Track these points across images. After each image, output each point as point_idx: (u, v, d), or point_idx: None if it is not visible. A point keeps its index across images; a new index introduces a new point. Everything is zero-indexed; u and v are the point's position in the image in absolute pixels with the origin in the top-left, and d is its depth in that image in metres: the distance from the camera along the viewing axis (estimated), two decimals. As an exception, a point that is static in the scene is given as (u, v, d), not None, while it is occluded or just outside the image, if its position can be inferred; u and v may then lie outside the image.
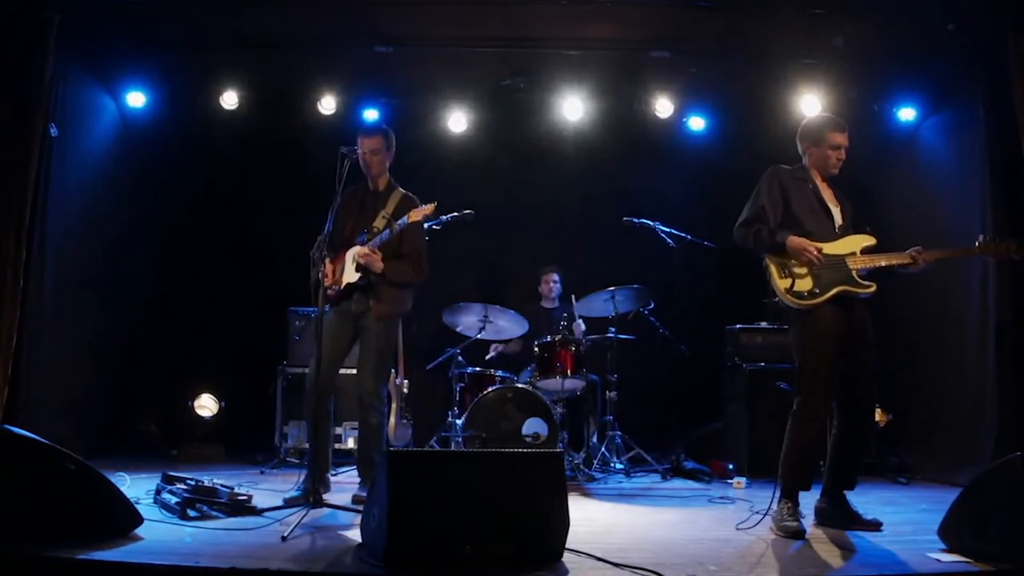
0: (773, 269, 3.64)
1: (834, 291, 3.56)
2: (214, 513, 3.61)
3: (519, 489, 2.89)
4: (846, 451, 3.70)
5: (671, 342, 5.48)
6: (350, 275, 4.16)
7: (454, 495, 2.83)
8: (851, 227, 3.75)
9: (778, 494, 3.63)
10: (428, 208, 3.99)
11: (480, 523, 2.82)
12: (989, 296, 4.89)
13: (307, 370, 4.88)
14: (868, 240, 3.69)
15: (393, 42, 5.63)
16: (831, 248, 3.63)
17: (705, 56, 5.82)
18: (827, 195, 3.80)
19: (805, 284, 3.57)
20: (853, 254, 3.63)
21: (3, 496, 3.07)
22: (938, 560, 3.03)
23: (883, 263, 3.61)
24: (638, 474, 5.24)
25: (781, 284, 3.61)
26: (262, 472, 5.14)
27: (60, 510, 3.05)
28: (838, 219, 3.75)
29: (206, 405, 5.78)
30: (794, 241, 3.58)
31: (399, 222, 4.05)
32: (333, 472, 4.64)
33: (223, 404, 5.82)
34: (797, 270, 3.59)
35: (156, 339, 6.33)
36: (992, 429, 4.79)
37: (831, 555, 3.17)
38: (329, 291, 4.13)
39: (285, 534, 3.20)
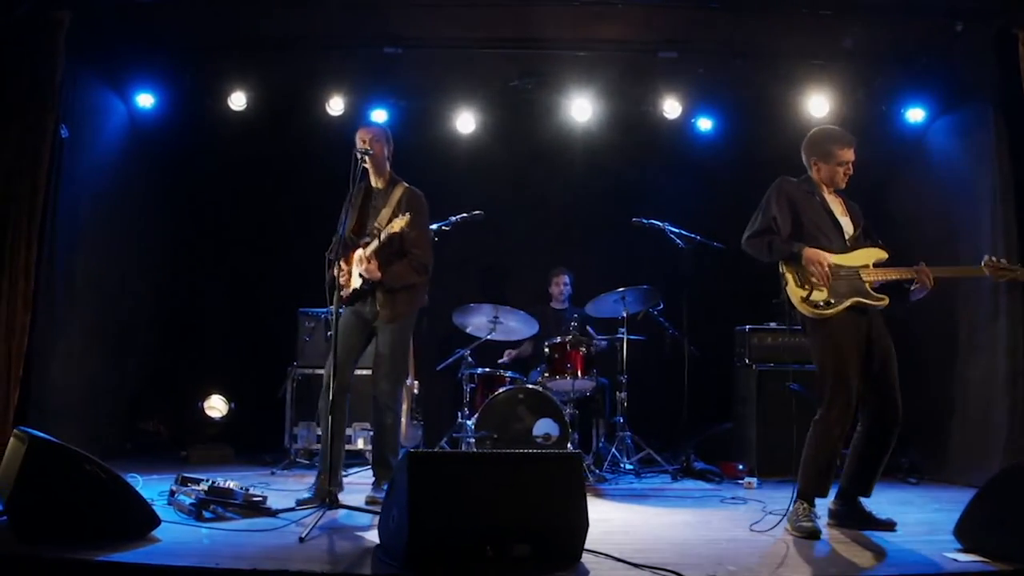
0: (790, 277, 3.64)
1: (849, 301, 3.56)
2: (229, 514, 3.61)
3: (538, 490, 2.90)
4: (867, 458, 3.69)
5: (680, 343, 5.49)
6: (356, 280, 4.17)
7: (474, 496, 2.83)
8: (863, 237, 3.76)
9: (794, 495, 3.63)
10: (403, 220, 3.94)
11: (500, 524, 2.82)
12: (1000, 296, 4.89)
13: (322, 371, 4.91)
14: (880, 254, 3.70)
15: (402, 43, 5.63)
16: (844, 260, 3.64)
17: (713, 57, 5.81)
18: (835, 206, 3.80)
19: (820, 294, 3.58)
20: (866, 266, 3.64)
21: (22, 498, 3.08)
22: (955, 560, 3.04)
23: (894, 276, 3.62)
24: (648, 475, 5.24)
25: (797, 293, 3.61)
26: (273, 473, 5.14)
27: (78, 512, 3.05)
28: (848, 230, 3.75)
29: (216, 406, 5.78)
30: (810, 252, 3.58)
31: (383, 230, 4.04)
32: (344, 473, 4.64)
33: (233, 405, 5.82)
34: (814, 280, 3.59)
35: (165, 340, 6.34)
36: (1002, 430, 4.79)
37: (849, 555, 3.17)
38: (342, 293, 4.14)
39: (303, 535, 3.20)
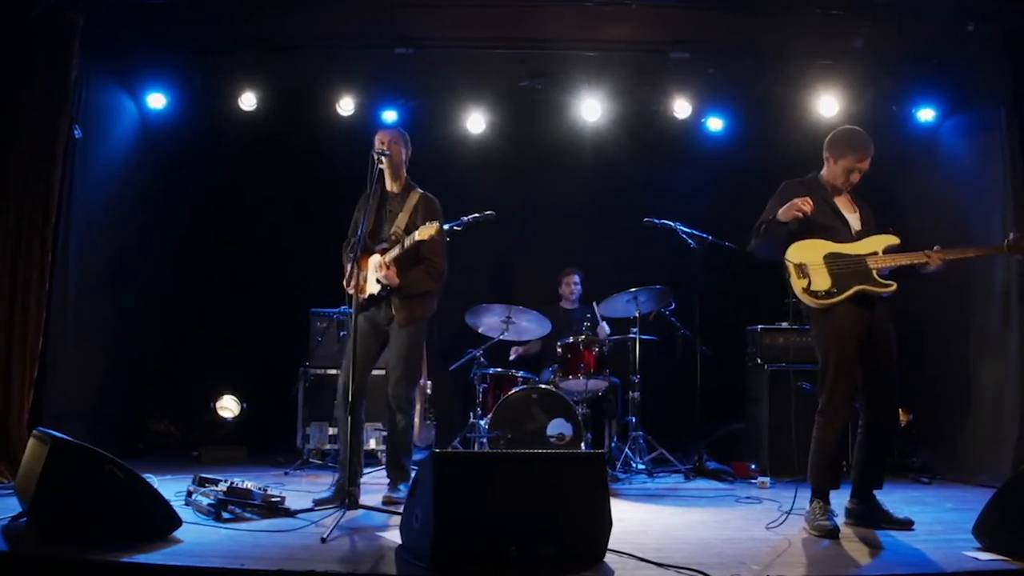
0: (792, 270, 3.66)
1: (852, 290, 3.57)
2: (247, 515, 3.61)
3: (563, 490, 2.90)
4: (871, 450, 3.71)
5: (692, 343, 5.49)
6: (372, 285, 4.17)
7: (499, 496, 2.84)
8: (873, 231, 3.76)
9: (808, 494, 3.65)
10: (432, 228, 3.95)
11: (525, 524, 2.82)
12: (1012, 294, 4.90)
13: (334, 371, 4.89)
14: (891, 240, 3.69)
15: (412, 44, 5.63)
16: (850, 248, 3.65)
17: (723, 57, 5.83)
18: (842, 203, 3.80)
19: (822, 283, 3.59)
20: (874, 253, 3.64)
21: (44, 499, 3.08)
22: (976, 559, 3.05)
23: (904, 261, 3.63)
24: (660, 474, 5.25)
25: (798, 284, 3.62)
26: (286, 473, 5.15)
27: (100, 512, 3.04)
28: (855, 225, 3.75)
29: (228, 406, 5.79)
30: (782, 209, 3.60)
31: (408, 237, 4.04)
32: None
33: (245, 406, 5.83)
34: (813, 271, 3.60)
35: (177, 340, 6.34)
36: (1014, 429, 4.79)
37: (869, 554, 3.17)
38: (360, 297, 4.13)
39: (324, 536, 3.21)
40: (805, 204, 3.57)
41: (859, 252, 3.64)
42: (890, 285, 3.60)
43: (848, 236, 3.70)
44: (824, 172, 3.85)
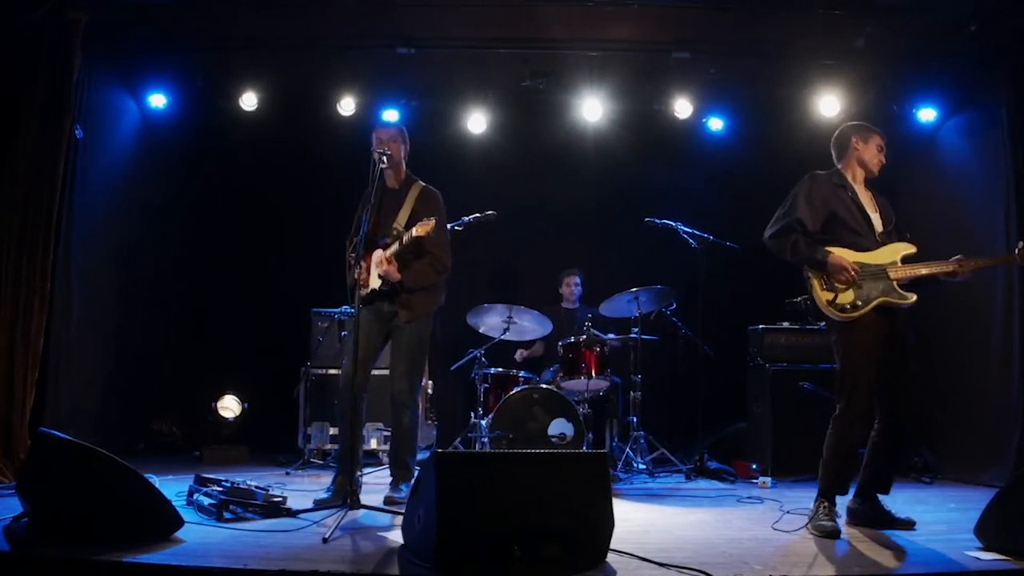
0: (815, 282, 3.64)
1: (875, 303, 3.55)
2: (249, 515, 3.60)
3: (566, 490, 2.90)
4: (884, 455, 3.70)
5: (694, 343, 5.49)
6: (374, 280, 4.17)
7: (502, 496, 2.83)
8: (893, 233, 3.74)
9: (815, 494, 3.64)
10: (429, 224, 3.94)
11: (528, 524, 2.82)
12: (1014, 295, 4.90)
13: (336, 371, 4.84)
14: (908, 248, 3.66)
15: (414, 43, 5.64)
16: (872, 258, 3.62)
17: (724, 57, 5.83)
18: (866, 200, 3.77)
19: (847, 297, 3.57)
20: (894, 263, 3.61)
21: (45, 499, 3.09)
22: (978, 558, 3.05)
23: (924, 272, 3.60)
24: (662, 474, 5.25)
25: (823, 297, 3.60)
26: (287, 473, 5.15)
27: (102, 512, 3.04)
28: (878, 226, 3.72)
29: (229, 406, 5.79)
30: (835, 259, 3.56)
31: (407, 233, 4.04)
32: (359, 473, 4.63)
33: (246, 405, 5.83)
34: (841, 283, 3.59)
35: (179, 340, 6.35)
36: (1016, 429, 4.80)
37: (873, 553, 3.17)
38: (361, 292, 4.13)
39: (326, 536, 3.21)
40: (855, 277, 3.54)
41: (879, 262, 3.61)
42: (910, 297, 3.57)
43: (872, 240, 3.67)
44: (849, 164, 3.80)
